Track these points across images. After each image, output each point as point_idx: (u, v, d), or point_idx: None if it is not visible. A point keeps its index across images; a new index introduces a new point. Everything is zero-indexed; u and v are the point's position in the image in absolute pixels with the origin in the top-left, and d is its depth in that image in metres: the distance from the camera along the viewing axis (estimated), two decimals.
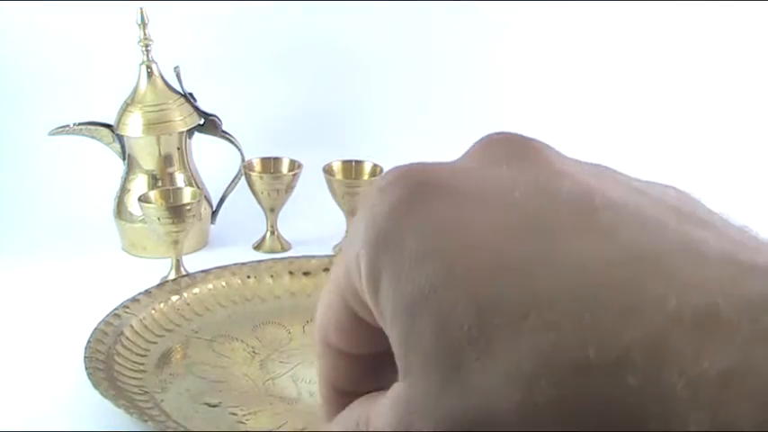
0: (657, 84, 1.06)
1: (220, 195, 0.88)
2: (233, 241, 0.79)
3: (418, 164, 0.24)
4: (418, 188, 0.23)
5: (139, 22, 0.82)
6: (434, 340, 0.21)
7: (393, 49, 1.08)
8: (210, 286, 0.73)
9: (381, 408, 0.23)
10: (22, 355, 0.67)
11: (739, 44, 1.05)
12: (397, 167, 0.24)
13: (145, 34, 0.82)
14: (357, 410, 0.25)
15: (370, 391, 0.25)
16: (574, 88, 1.06)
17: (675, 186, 0.25)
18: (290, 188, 0.83)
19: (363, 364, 0.26)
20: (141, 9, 0.82)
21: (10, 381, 0.63)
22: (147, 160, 0.83)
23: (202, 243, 0.85)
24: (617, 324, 0.19)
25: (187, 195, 0.79)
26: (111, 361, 0.62)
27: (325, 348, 0.27)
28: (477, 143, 0.25)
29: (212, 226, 0.87)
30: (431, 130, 1.05)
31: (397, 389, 0.22)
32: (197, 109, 0.85)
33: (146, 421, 0.55)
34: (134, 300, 0.69)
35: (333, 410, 0.27)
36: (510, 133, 0.25)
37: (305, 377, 0.63)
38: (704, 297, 0.19)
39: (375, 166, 0.84)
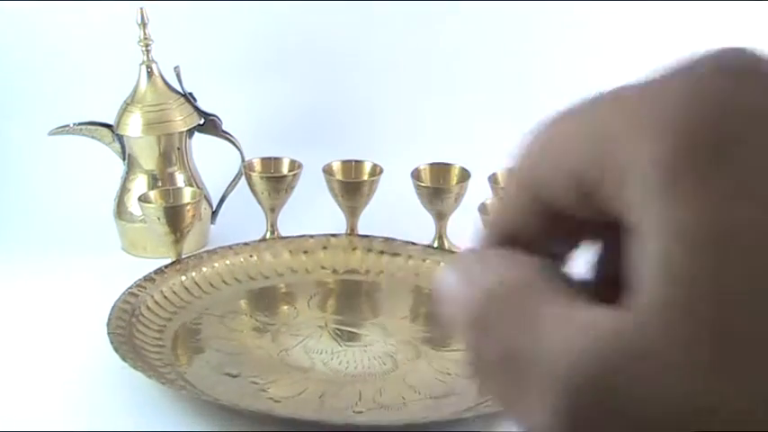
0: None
1: (220, 195, 0.88)
2: (233, 241, 0.79)
3: (741, 48, 0.18)
4: (747, 79, 0.17)
5: (139, 22, 0.82)
6: (703, 294, 0.16)
7: (393, 49, 1.08)
8: (216, 265, 0.76)
9: (565, 321, 0.18)
10: (26, 355, 0.67)
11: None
12: (710, 52, 0.18)
13: (145, 34, 0.82)
14: (501, 267, 0.20)
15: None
16: (574, 89, 1.06)
17: None
18: (290, 188, 0.83)
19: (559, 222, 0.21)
20: (141, 9, 0.82)
21: (18, 381, 0.64)
22: (147, 160, 0.83)
23: (202, 243, 0.85)
24: None
25: (187, 195, 0.79)
26: (132, 337, 0.65)
27: (520, 190, 0.22)
28: None
29: (212, 226, 0.87)
30: (431, 130, 1.05)
31: (607, 315, 0.17)
32: (197, 109, 0.85)
33: (179, 391, 0.59)
34: (148, 278, 0.72)
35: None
36: None
37: (316, 348, 0.67)
38: None
39: (375, 166, 0.84)
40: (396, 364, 0.65)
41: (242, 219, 0.87)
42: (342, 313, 0.73)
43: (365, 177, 0.83)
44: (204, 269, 0.76)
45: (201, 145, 0.86)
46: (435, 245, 0.81)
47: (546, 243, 0.21)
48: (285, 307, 0.74)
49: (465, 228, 0.80)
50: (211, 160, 0.87)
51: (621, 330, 0.17)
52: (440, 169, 0.83)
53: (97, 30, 1.01)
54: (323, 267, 0.78)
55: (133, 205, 0.82)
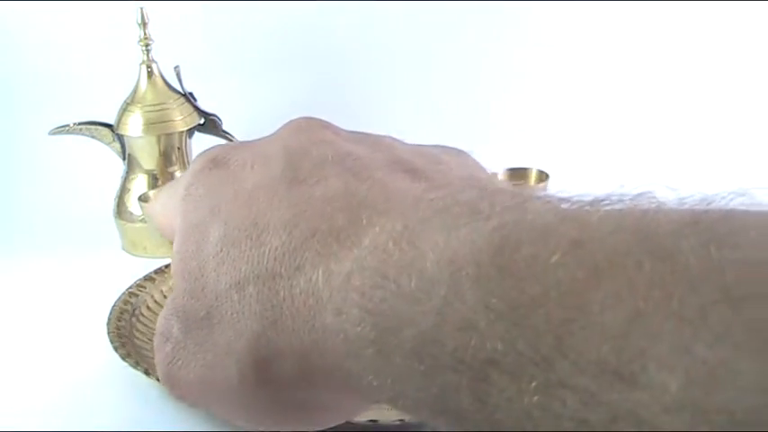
0: (657, 84, 1.06)
1: None
2: None
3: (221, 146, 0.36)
4: (207, 162, 0.34)
5: (139, 22, 0.82)
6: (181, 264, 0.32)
7: (394, 48, 1.08)
8: None
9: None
10: (26, 355, 0.67)
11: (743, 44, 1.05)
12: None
13: (145, 34, 0.82)
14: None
15: None
16: (573, 88, 1.06)
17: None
18: None
19: None
20: (141, 9, 0.82)
21: (18, 380, 0.64)
22: (148, 160, 0.83)
23: None
24: None
25: None
26: (132, 337, 0.65)
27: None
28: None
29: None
30: (431, 130, 1.05)
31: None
32: (197, 109, 0.85)
33: None
34: (148, 278, 0.72)
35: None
36: (309, 118, 0.34)
37: None
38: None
39: None
40: None
41: None
42: None
43: None
44: None
45: (201, 145, 0.86)
46: None
47: None
48: None
49: None
50: None
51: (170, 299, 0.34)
52: None
53: (97, 30, 1.01)
54: None
55: (133, 205, 0.82)
